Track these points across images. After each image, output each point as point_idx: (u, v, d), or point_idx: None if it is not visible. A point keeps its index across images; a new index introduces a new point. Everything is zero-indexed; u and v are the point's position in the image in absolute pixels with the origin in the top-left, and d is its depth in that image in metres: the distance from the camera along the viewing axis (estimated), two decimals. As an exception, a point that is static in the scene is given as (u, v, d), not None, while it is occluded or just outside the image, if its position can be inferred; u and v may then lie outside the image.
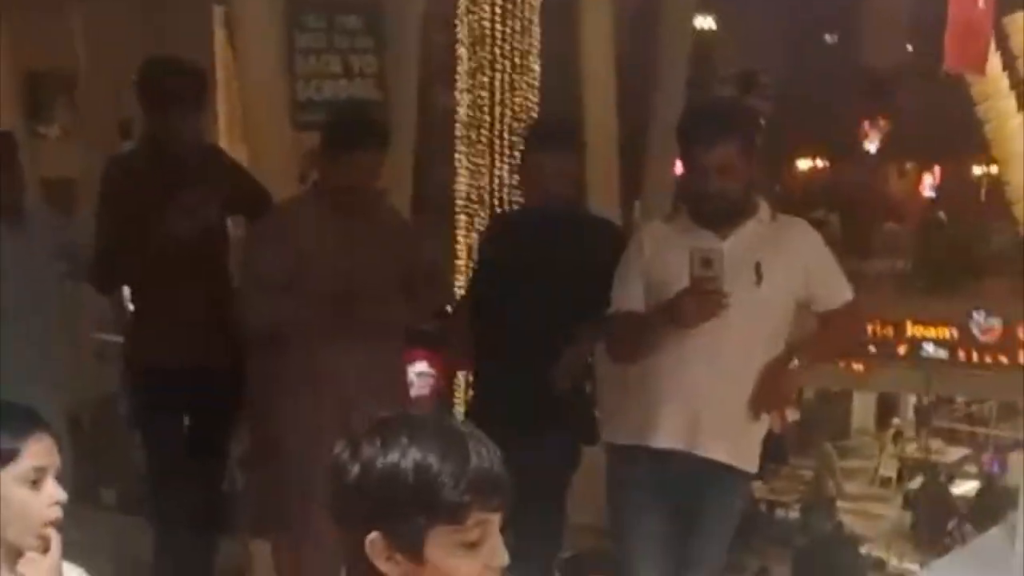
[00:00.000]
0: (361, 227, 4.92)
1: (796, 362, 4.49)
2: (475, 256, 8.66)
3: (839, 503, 16.43)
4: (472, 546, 2.04)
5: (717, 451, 4.47)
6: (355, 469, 2.04)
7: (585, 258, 4.85)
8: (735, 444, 4.52)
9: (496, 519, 2.07)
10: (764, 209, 4.50)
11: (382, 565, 2.05)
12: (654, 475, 4.54)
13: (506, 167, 9.82)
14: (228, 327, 5.10)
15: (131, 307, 5.67)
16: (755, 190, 4.56)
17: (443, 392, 10.11)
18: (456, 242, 9.82)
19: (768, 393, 4.49)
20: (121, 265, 5.18)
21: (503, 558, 2.08)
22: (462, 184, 9.98)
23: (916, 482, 17.68)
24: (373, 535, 2.04)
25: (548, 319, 4.86)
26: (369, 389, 4.85)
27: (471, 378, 8.45)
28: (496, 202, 9.92)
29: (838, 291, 4.57)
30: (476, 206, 10.00)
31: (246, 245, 5.12)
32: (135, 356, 5.43)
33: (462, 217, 9.98)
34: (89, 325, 9.43)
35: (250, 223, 5.35)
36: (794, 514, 15.49)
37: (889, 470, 18.56)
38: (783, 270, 4.43)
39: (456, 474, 2.01)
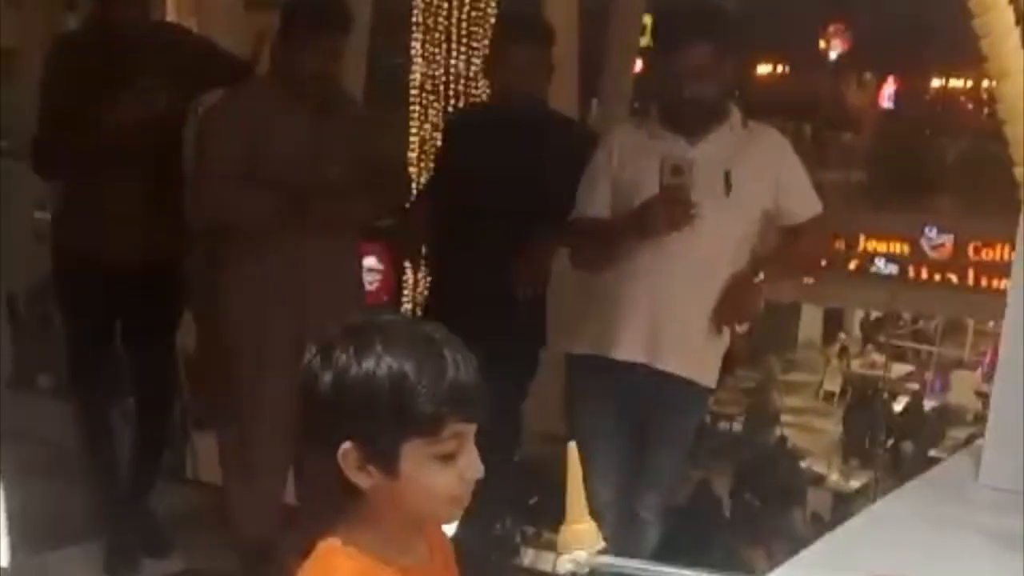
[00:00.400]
0: (320, 117, 4.73)
1: (761, 276, 4.39)
2: (431, 148, 8.47)
3: (783, 417, 16.49)
4: (448, 458, 1.98)
5: (678, 365, 4.39)
6: (327, 377, 1.95)
7: (551, 159, 4.73)
8: (696, 358, 4.45)
9: (471, 430, 2.02)
10: (736, 116, 4.41)
11: (354, 476, 1.97)
12: (613, 386, 4.47)
13: (463, 58, 9.59)
14: (170, 221, 4.95)
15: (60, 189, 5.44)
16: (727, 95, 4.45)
17: (391, 288, 9.92)
18: (410, 133, 9.59)
19: (732, 307, 4.41)
20: (64, 151, 4.92)
21: (478, 470, 2.03)
22: (417, 73, 9.74)
23: (859, 397, 17.79)
24: (346, 445, 1.96)
25: (510, 220, 4.73)
26: (324, 284, 4.74)
27: (419, 275, 8.31)
28: (451, 93, 9.72)
29: (807, 204, 4.48)
30: (431, 97, 9.79)
31: (198, 133, 4.87)
32: (63, 245, 5.19)
33: (416, 108, 9.76)
34: (28, 203, 9.17)
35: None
36: (737, 427, 15.51)
37: (833, 385, 18.66)
38: (753, 180, 4.35)
39: (433, 384, 1.93)
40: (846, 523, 3.21)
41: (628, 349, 4.38)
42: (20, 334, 6.66)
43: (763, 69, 18.50)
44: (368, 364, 1.93)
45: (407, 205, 5.30)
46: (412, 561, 2.09)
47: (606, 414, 4.48)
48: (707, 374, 4.51)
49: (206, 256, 5.02)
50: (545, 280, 4.92)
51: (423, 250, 5.26)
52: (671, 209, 4.15)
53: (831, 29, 16.42)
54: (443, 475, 1.98)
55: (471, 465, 2.01)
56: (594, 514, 4.13)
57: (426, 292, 7.46)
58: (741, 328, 4.50)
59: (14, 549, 4.91)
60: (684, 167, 4.12)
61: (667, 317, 4.33)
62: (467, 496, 2.04)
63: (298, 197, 4.59)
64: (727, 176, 4.27)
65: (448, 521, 2.13)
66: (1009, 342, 3.42)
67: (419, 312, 8.95)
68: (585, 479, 4.45)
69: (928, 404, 17.51)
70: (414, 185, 6.17)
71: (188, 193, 4.98)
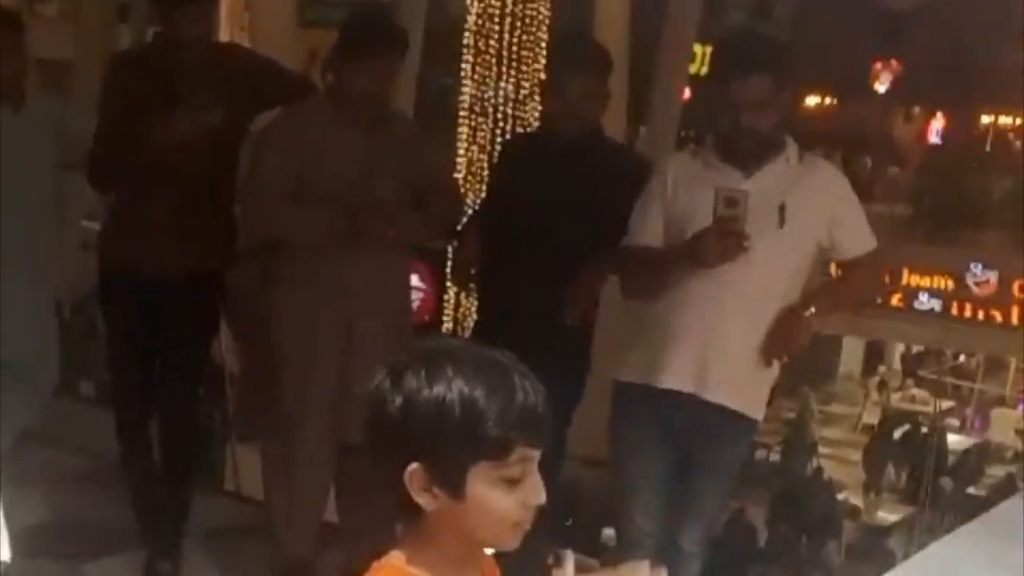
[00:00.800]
0: (374, 136, 4.74)
1: (812, 310, 4.34)
2: (478, 170, 8.48)
3: (820, 448, 16.40)
4: (513, 482, 2.00)
5: (725, 396, 4.36)
6: (398, 400, 1.99)
7: (605, 186, 4.70)
8: (743, 390, 4.42)
9: (537, 456, 2.03)
10: (792, 148, 4.38)
11: (419, 497, 1.99)
12: (659, 416, 4.44)
13: (512, 80, 9.62)
14: (219, 237, 4.96)
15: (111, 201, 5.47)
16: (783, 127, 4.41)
17: (433, 308, 9.95)
18: (457, 154, 9.63)
19: (782, 340, 4.37)
20: (119, 166, 4.95)
21: (541, 496, 2.03)
22: (466, 94, 9.78)
23: (898, 432, 17.68)
24: (413, 466, 1.98)
25: (561, 246, 4.71)
26: (373, 302, 4.75)
27: (462, 296, 8.30)
28: (499, 115, 9.75)
29: (862, 239, 4.45)
30: (480, 118, 9.82)
31: (254, 149, 4.88)
32: (109, 259, 5.22)
33: (464, 129, 9.81)
34: (77, 213, 9.22)
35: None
36: (774, 456, 15.46)
37: (872, 417, 18.56)
38: (808, 214, 4.31)
39: (502, 409, 1.96)
40: (905, 563, 3.18)
41: (675, 378, 4.35)
42: (65, 342, 6.66)
43: (811, 100, 18.44)
44: (439, 388, 1.95)
45: (459, 227, 5.30)
46: None
47: (651, 442, 4.46)
48: (754, 406, 4.47)
49: (260, 271, 5.03)
50: (594, 307, 4.90)
51: (472, 273, 5.25)
52: (724, 241, 4.12)
53: (879, 64, 16.34)
54: (507, 500, 1.99)
55: (535, 491, 2.02)
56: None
57: (473, 314, 7.46)
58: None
59: (51, 557, 4.93)
60: (739, 199, 4.10)
61: (716, 348, 4.30)
62: (529, 521, 2.04)
63: (350, 214, 4.60)
64: (782, 209, 4.23)
65: (509, 547, 2.08)
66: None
67: (460, 332, 9.00)
68: (627, 505, 4.48)
69: (968, 441, 17.41)
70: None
71: (239, 209, 5.00)
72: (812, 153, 4.60)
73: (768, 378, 4.50)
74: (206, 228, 4.99)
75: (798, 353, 4.52)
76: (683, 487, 4.50)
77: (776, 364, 4.43)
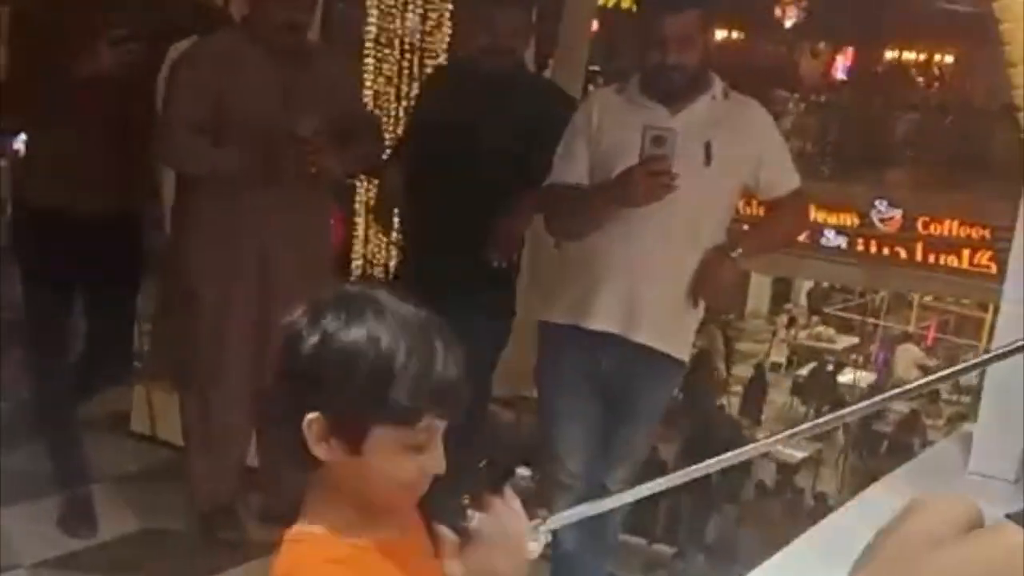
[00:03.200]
0: (293, 70, 4.62)
1: (739, 250, 4.31)
2: (384, 103, 8.36)
3: (729, 386, 16.55)
4: (414, 449, 1.91)
5: (652, 337, 4.33)
6: (313, 339, 1.86)
7: (531, 122, 4.64)
8: (670, 331, 4.40)
9: (443, 425, 1.94)
10: (718, 85, 4.35)
11: (315, 447, 1.88)
12: (586, 357, 4.39)
13: (419, 10, 9.47)
14: (139, 172, 4.85)
15: (23, 137, 5.32)
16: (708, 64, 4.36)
17: (341, 245, 9.82)
18: (363, 87, 9.48)
19: (709, 281, 4.34)
20: (31, 103, 4.78)
21: (440, 466, 1.96)
22: (372, 25, 9.61)
23: (805, 369, 17.87)
24: (313, 415, 1.86)
25: (486, 181, 4.68)
26: (292, 241, 4.69)
27: (371, 232, 8.21)
28: (406, 47, 9.61)
29: (787, 178, 4.44)
30: (386, 50, 9.66)
31: (167, 81, 4.74)
32: (26, 194, 5.07)
33: (370, 61, 9.63)
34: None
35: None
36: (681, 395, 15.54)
37: (779, 355, 18.74)
38: (734, 152, 4.28)
39: (417, 376, 1.85)
40: (840, 510, 3.17)
41: (602, 319, 4.31)
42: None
43: (718, 35, 18.43)
44: (357, 333, 1.85)
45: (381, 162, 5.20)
46: (384, 536, 1.99)
47: (578, 384, 4.42)
48: (681, 348, 4.44)
49: (174, 208, 4.92)
50: (519, 247, 4.83)
51: (394, 209, 5.16)
52: (651, 180, 4.06)
53: (786, -2, 16.43)
54: (406, 465, 1.92)
55: (435, 461, 1.95)
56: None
57: (383, 249, 7.36)
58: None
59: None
60: (666, 137, 4.04)
61: (643, 288, 4.26)
62: (424, 488, 1.98)
63: (270, 151, 4.49)
64: (707, 146, 4.20)
65: (398, 507, 2.02)
66: (1003, 329, 3.39)
67: (377, 271, 8.88)
68: (555, 446, 4.46)
69: (872, 377, 17.64)
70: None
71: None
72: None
73: (694, 319, 4.48)
74: (125, 164, 4.86)
75: (725, 294, 4.50)
76: (610, 429, 4.47)
77: (702, 305, 4.41)
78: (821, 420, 2.69)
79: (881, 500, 3.30)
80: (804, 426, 2.65)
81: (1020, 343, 2.32)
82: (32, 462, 5.26)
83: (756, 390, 16.33)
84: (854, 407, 2.86)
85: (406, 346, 1.86)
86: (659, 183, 4.07)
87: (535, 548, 2.12)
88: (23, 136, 5.38)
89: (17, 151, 6.39)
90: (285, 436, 1.90)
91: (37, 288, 5.13)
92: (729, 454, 2.41)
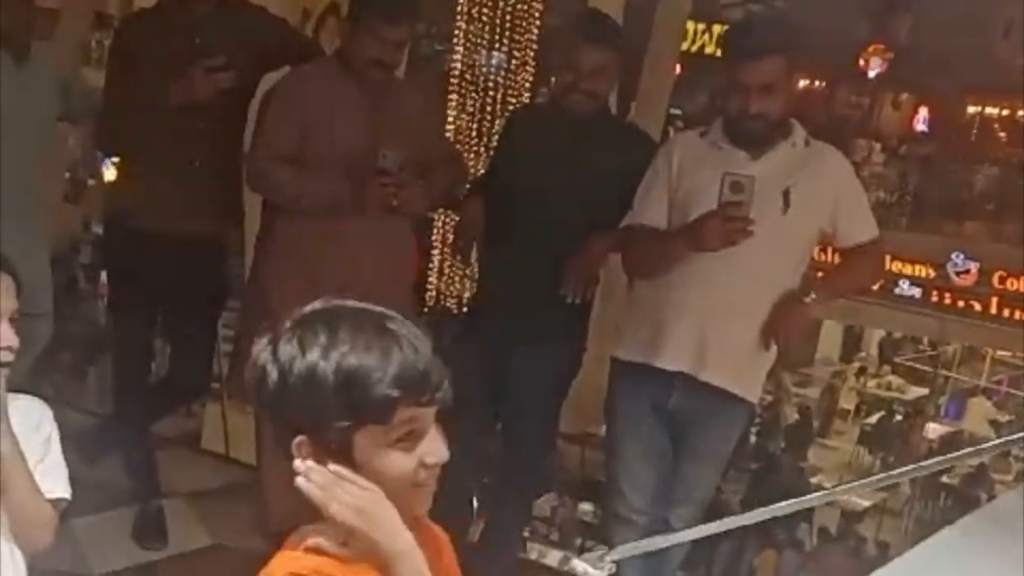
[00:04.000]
0: (380, 104, 4.70)
1: (813, 296, 4.35)
2: (466, 138, 8.44)
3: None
4: (403, 443, 1.92)
5: (721, 378, 4.40)
6: (274, 373, 1.92)
7: (611, 164, 4.68)
8: (740, 373, 4.46)
9: (430, 413, 1.95)
10: (798, 132, 4.40)
11: None
12: (655, 395, 4.47)
13: (504, 50, 9.56)
14: (230, 200, 4.94)
15: (112, 160, 5.45)
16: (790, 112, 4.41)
17: (418, 276, 9.90)
18: (446, 123, 9.57)
19: (782, 325, 4.38)
20: (129, 128, 4.90)
21: (441, 454, 1.96)
22: (458, 62, 9.70)
23: (873, 417, 17.71)
24: (299, 439, 1.91)
25: (564, 221, 4.72)
26: (374, 271, 4.73)
27: (444, 264, 8.28)
28: (490, 84, 9.69)
29: (864, 226, 4.48)
30: (470, 87, 9.75)
31: (259, 109, 4.85)
32: (117, 215, 5.18)
33: (454, 97, 9.72)
34: (60, 165, 9.16)
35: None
36: (751, 437, 15.45)
37: (848, 403, 18.58)
38: (812, 199, 4.34)
39: (379, 369, 1.87)
40: (900, 557, 3.19)
41: (673, 358, 4.38)
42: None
43: (801, 83, 18.41)
44: (312, 356, 1.88)
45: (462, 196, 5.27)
46: None
47: (646, 422, 4.49)
48: (750, 389, 4.50)
49: (260, 235, 5.01)
50: (594, 284, 4.88)
51: (473, 244, 5.23)
52: (727, 226, 4.13)
53: (871, 48, 16.32)
54: (401, 461, 1.93)
55: (433, 450, 1.95)
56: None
57: (457, 281, 7.43)
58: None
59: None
60: (744, 184, 4.10)
61: (715, 330, 4.32)
62: (432, 482, 1.98)
63: (356, 183, 4.57)
64: (786, 193, 4.26)
65: (417, 509, 2.02)
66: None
67: (450, 303, 8.96)
68: (619, 482, 4.51)
69: (942, 429, 17.46)
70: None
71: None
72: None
73: (765, 362, 4.52)
74: (214, 188, 4.97)
75: (797, 338, 4.53)
76: (677, 467, 4.52)
77: (774, 349, 4.44)
78: (883, 476, 2.70)
79: (942, 549, 3.32)
80: (870, 479, 2.66)
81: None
82: (109, 475, 5.34)
83: (801, 435, 16.22)
84: (920, 464, 2.87)
85: (361, 346, 1.88)
86: (735, 229, 4.13)
87: (598, 575, 2.17)
88: (113, 159, 5.50)
89: (102, 173, 6.52)
90: (287, 463, 1.94)
91: (122, 307, 5.25)
92: (792, 501, 2.45)
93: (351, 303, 1.99)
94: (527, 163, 4.87)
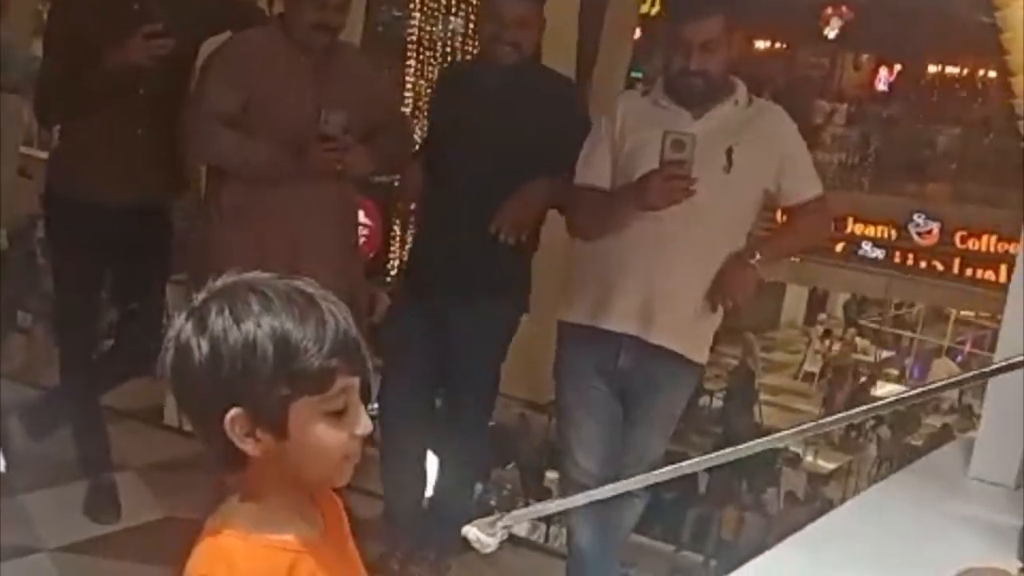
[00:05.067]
0: (324, 68, 4.66)
1: (758, 256, 4.34)
2: (425, 104, 8.42)
3: (762, 395, 16.51)
4: (337, 415, 1.90)
5: (669, 339, 4.36)
6: (204, 346, 1.85)
7: (542, 115, 4.66)
8: (688, 334, 4.42)
9: (357, 384, 1.92)
10: (741, 91, 4.37)
11: (243, 444, 1.87)
12: (603, 358, 4.43)
13: (461, 15, 9.54)
14: (171, 165, 4.91)
15: (57, 129, 5.39)
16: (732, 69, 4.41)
17: (379, 245, 9.90)
18: (404, 88, 9.55)
19: (728, 285, 4.36)
20: (67, 97, 4.86)
21: (367, 425, 1.94)
22: (415, 28, 9.68)
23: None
24: (234, 412, 1.85)
25: (499, 178, 4.66)
26: (319, 237, 4.70)
27: (407, 232, 8.25)
28: (448, 50, 9.68)
29: (808, 184, 4.45)
30: (428, 53, 9.74)
31: (199, 74, 4.80)
32: (59, 186, 5.15)
33: (412, 63, 9.70)
34: (14, 139, 9.08)
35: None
36: (717, 402, 15.52)
37: (813, 366, 18.68)
38: (755, 158, 4.31)
39: (316, 339, 1.85)
40: (839, 508, 3.21)
41: (620, 320, 4.35)
42: (4, 271, 6.61)
43: (761, 45, 18.43)
44: (247, 326, 1.85)
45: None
46: (304, 532, 1.98)
47: (595, 385, 4.45)
48: (698, 351, 4.47)
49: (201, 202, 4.98)
50: (528, 228, 4.80)
51: (412, 207, 5.19)
52: (670, 185, 4.09)
53: (830, 9, 16.35)
54: (334, 432, 1.90)
55: (360, 420, 1.93)
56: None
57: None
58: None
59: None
60: (686, 142, 4.07)
61: (661, 291, 4.29)
62: (358, 453, 1.96)
63: (298, 148, 4.54)
64: (729, 152, 4.23)
65: (341, 482, 1.99)
66: (1007, 335, 3.41)
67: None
68: (572, 447, 4.50)
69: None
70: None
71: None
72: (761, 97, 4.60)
73: (712, 324, 4.51)
74: (157, 156, 4.94)
75: (744, 300, 4.53)
76: (627, 429, 4.51)
77: (720, 310, 4.43)
78: (826, 420, 2.68)
79: (881, 501, 3.34)
80: (808, 424, 2.65)
81: (1020, 358, 2.34)
82: (59, 449, 5.30)
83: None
84: (860, 409, 2.87)
85: (296, 315, 1.86)
86: (677, 187, 4.10)
87: (491, 543, 2.14)
88: (58, 128, 5.45)
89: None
90: (209, 440, 1.89)
91: (67, 277, 5.21)
92: (738, 447, 2.44)
93: (271, 275, 1.94)
94: (458, 118, 4.85)
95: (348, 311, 1.92)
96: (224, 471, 1.94)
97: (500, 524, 2.14)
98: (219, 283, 1.93)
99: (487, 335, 4.88)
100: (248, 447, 1.87)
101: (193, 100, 4.78)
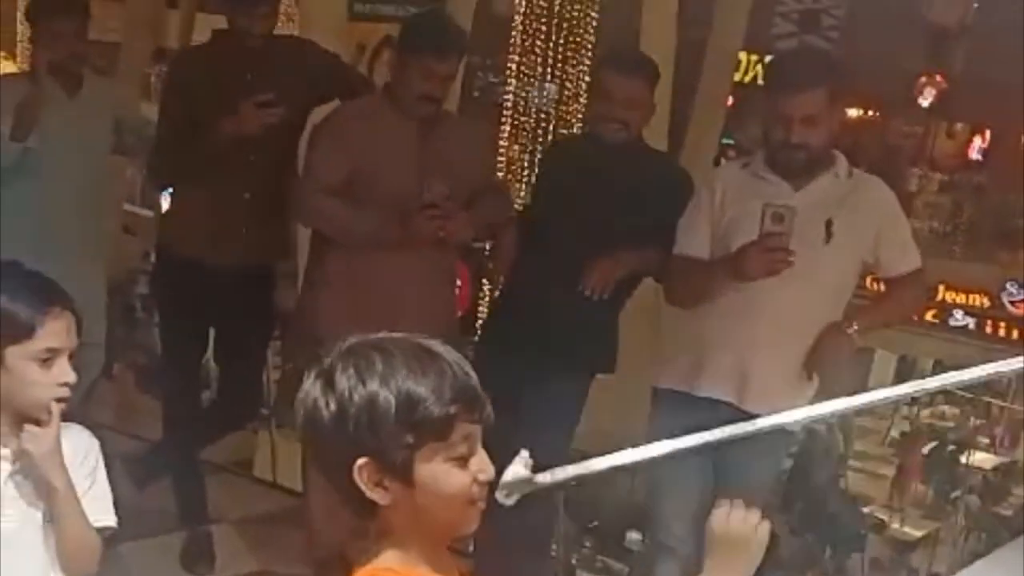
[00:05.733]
0: (428, 136, 4.75)
1: (855, 327, 4.36)
2: (518, 169, 8.49)
3: (848, 461, 16.34)
4: (460, 461, 2.02)
5: (765, 407, 4.32)
6: (332, 404, 2.00)
7: (644, 194, 4.76)
8: (783, 402, 4.38)
9: (478, 432, 2.05)
10: (841, 163, 4.42)
11: (372, 493, 2.00)
12: (697, 424, 4.39)
13: (556, 81, 9.61)
14: (279, 231, 5.00)
15: (168, 191, 5.53)
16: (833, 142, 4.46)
17: (468, 306, 9.93)
18: (498, 154, 9.62)
19: (823, 355, 4.41)
20: (181, 162, 4.98)
21: (490, 471, 2.06)
22: (510, 93, 9.76)
23: (926, 447, 17.57)
24: (361, 461, 1.99)
25: (596, 248, 4.77)
26: (419, 302, 4.81)
27: (496, 294, 8.34)
28: (542, 116, 9.75)
29: (907, 257, 4.51)
30: (523, 118, 9.81)
31: (308, 142, 4.91)
32: (169, 245, 5.26)
33: (507, 128, 9.77)
34: (118, 196, 9.25)
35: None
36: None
37: (900, 432, 18.44)
38: (854, 230, 4.38)
39: (437, 388, 1.98)
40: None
41: (715, 388, 4.41)
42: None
43: (853, 113, 18.40)
44: (372, 385, 1.97)
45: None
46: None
47: (688, 450, 4.48)
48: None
49: (307, 267, 5.06)
50: (615, 288, 4.89)
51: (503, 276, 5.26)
52: (769, 257, 4.17)
53: (924, 78, 16.28)
54: (458, 478, 2.01)
55: (483, 466, 2.04)
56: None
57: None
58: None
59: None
60: (785, 215, 4.14)
61: (757, 359, 4.36)
62: (483, 500, 2.06)
63: (402, 216, 4.62)
64: (828, 224, 4.29)
65: (469, 528, 2.11)
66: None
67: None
68: (662, 511, 4.52)
69: (996, 460, 17.32)
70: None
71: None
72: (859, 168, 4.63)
73: (807, 392, 4.53)
74: (263, 220, 5.05)
75: (839, 370, 4.54)
76: (719, 496, 4.51)
77: (816, 379, 4.46)
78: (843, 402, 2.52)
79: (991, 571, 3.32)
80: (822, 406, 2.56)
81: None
82: (159, 501, 5.43)
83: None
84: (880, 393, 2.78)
85: (417, 369, 1.99)
86: (776, 259, 4.16)
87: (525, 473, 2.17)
88: (169, 190, 5.58)
89: (160, 205, 6.61)
90: (341, 490, 2.03)
91: (173, 334, 5.33)
92: (732, 428, 2.44)
93: (396, 335, 2.08)
94: (560, 192, 4.96)
95: (466, 362, 2.05)
96: (357, 520, 2.05)
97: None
98: (345, 344, 2.07)
99: (561, 396, 4.95)
100: (377, 496, 2.00)
101: (303, 170, 4.87)
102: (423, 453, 1.98)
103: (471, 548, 4.86)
